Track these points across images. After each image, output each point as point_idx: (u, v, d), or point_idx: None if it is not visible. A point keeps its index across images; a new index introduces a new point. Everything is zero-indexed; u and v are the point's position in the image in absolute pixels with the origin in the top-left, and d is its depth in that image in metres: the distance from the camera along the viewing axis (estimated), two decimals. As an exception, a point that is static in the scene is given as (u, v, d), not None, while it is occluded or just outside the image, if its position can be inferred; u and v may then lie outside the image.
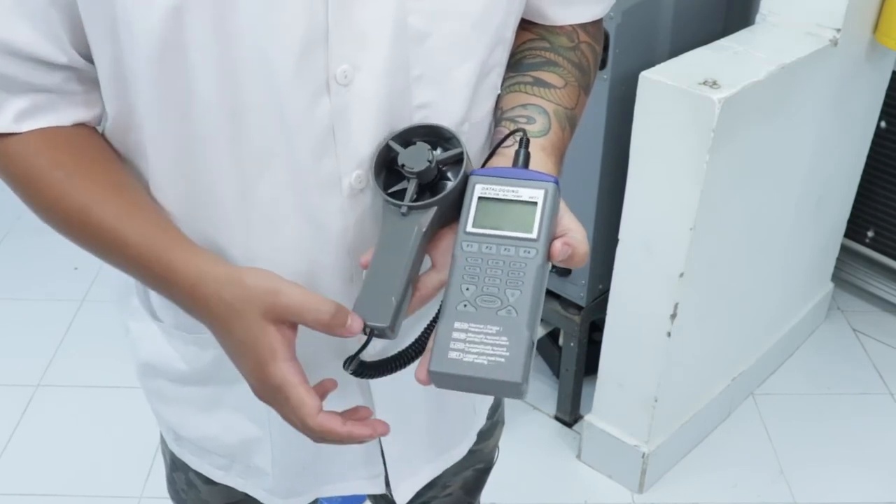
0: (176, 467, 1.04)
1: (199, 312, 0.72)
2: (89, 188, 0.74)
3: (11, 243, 2.82)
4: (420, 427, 0.95)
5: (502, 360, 0.65)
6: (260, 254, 0.77)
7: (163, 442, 1.04)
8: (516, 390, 0.65)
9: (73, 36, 0.70)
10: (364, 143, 0.73)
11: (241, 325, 0.69)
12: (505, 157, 0.74)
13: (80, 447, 2.10)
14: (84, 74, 0.73)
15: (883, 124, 2.24)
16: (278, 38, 0.67)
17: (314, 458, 0.93)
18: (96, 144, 0.76)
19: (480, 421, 1.05)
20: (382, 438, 0.92)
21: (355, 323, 0.69)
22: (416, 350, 0.73)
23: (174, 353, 0.88)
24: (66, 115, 0.74)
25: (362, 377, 0.75)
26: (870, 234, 2.42)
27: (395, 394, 0.89)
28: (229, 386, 0.88)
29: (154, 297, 0.87)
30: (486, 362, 0.65)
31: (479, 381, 0.65)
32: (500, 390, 0.66)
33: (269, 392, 0.71)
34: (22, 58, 0.69)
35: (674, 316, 1.76)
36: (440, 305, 0.68)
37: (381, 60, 0.71)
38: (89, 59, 0.72)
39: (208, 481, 1.00)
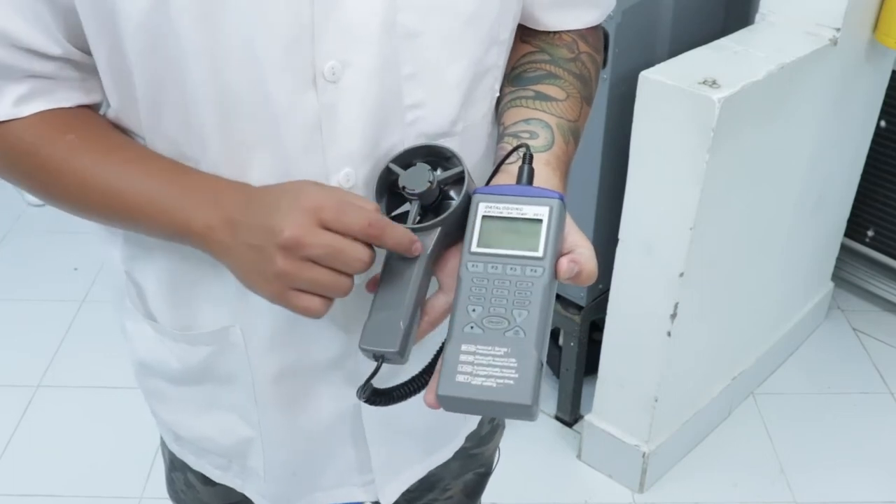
0: (175, 467, 1.04)
1: (231, 194, 0.71)
2: (103, 141, 0.74)
3: (11, 243, 2.82)
4: (407, 428, 0.95)
5: (511, 381, 0.64)
6: None
7: (162, 442, 1.05)
8: (526, 412, 0.64)
9: (66, 28, 0.70)
10: (353, 141, 0.73)
11: (284, 185, 0.70)
12: (509, 174, 0.73)
13: (80, 447, 2.10)
14: (80, 64, 0.74)
15: (883, 124, 2.24)
16: (264, 32, 0.67)
17: (305, 464, 0.93)
18: (102, 118, 0.77)
19: (471, 426, 1.04)
20: (370, 442, 0.92)
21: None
22: (430, 374, 0.72)
23: (167, 351, 0.88)
24: (66, 97, 0.75)
25: (376, 405, 0.74)
26: (870, 233, 2.42)
27: None
28: (223, 385, 0.88)
29: (149, 296, 0.86)
30: (494, 385, 0.64)
31: (489, 404, 0.64)
32: (510, 413, 0.65)
33: (316, 199, 0.66)
34: (18, 48, 0.70)
35: (674, 316, 1.76)
36: (448, 327, 0.67)
37: (370, 58, 0.70)
38: (85, 50, 0.72)
39: (206, 482, 1.01)
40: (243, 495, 0.99)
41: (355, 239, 0.66)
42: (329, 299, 0.68)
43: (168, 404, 0.94)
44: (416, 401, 0.89)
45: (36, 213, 2.90)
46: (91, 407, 2.21)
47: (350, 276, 0.67)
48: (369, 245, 0.67)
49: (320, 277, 0.66)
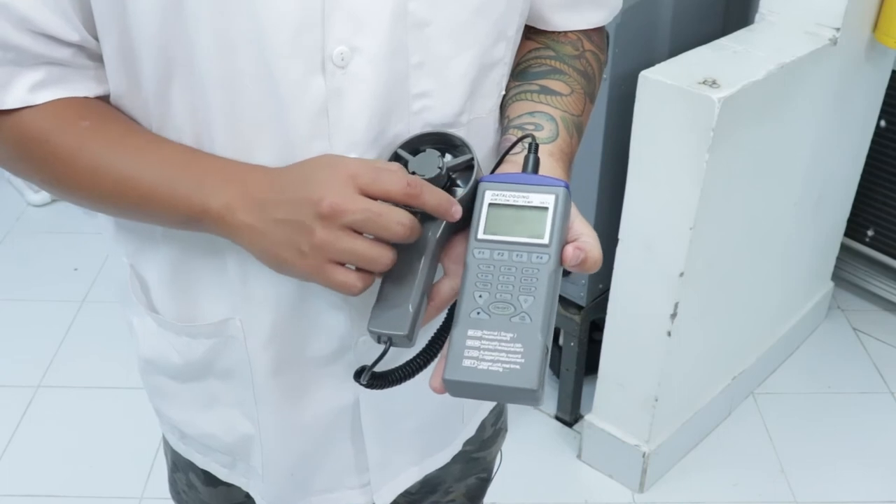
0: (177, 468, 1.05)
1: (254, 176, 0.71)
2: (117, 128, 0.74)
3: (11, 244, 2.82)
4: (404, 430, 0.95)
5: (517, 366, 0.64)
6: None
7: (165, 443, 1.04)
8: (532, 397, 0.65)
9: (82, 13, 0.70)
10: (358, 128, 0.73)
11: (312, 159, 0.70)
12: (513, 164, 0.74)
13: (80, 448, 2.10)
14: (94, 53, 0.74)
15: (883, 123, 2.25)
16: (274, 15, 0.67)
17: (303, 462, 0.92)
18: (114, 108, 0.77)
19: (469, 432, 1.04)
20: (367, 438, 0.92)
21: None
22: (425, 358, 0.73)
23: (169, 346, 0.88)
24: (80, 87, 0.74)
25: (373, 388, 0.75)
26: (870, 232, 2.42)
27: (381, 396, 0.88)
28: (223, 381, 0.88)
29: (152, 288, 0.86)
30: (500, 369, 0.65)
31: (495, 389, 0.65)
32: (516, 397, 0.66)
33: (351, 167, 0.67)
34: (35, 32, 0.70)
35: (674, 315, 1.76)
36: (454, 313, 0.68)
37: (379, 45, 0.71)
38: (98, 38, 0.73)
39: (208, 482, 1.01)
40: (244, 497, 0.99)
41: (395, 205, 0.67)
42: (368, 275, 0.68)
43: (172, 402, 0.94)
44: (414, 398, 0.89)
45: (36, 213, 2.90)
46: (91, 407, 2.22)
47: (391, 248, 0.67)
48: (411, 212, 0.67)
49: (359, 247, 0.66)
